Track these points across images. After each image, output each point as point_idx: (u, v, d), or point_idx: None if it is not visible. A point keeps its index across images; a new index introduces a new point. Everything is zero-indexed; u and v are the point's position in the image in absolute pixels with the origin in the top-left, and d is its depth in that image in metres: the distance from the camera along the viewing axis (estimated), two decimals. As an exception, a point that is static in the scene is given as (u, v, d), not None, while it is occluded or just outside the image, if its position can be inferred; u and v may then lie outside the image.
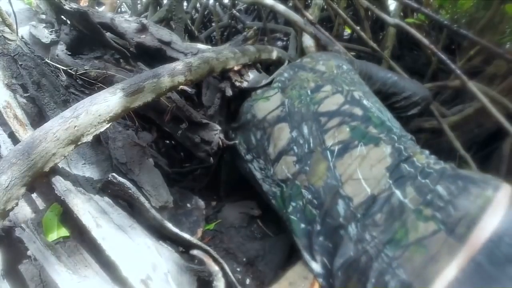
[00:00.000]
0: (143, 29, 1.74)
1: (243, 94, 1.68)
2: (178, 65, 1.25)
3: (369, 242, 1.09)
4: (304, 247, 1.28)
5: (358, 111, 1.39)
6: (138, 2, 4.76)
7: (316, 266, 1.23)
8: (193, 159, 2.05)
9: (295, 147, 1.39)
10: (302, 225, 1.30)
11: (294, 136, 1.42)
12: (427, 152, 1.28)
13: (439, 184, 1.10)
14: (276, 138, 1.45)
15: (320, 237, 1.24)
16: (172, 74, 1.20)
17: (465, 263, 0.92)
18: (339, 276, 1.12)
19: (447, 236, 0.98)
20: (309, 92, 1.50)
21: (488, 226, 0.94)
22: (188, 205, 1.60)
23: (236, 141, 1.60)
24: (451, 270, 0.92)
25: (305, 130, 1.41)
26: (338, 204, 1.20)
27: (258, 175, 1.52)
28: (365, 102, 1.45)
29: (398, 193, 1.13)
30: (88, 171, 1.16)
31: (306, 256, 1.27)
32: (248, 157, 1.56)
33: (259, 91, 1.64)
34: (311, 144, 1.37)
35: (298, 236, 1.31)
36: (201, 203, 1.67)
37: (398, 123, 1.47)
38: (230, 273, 1.05)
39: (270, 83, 1.65)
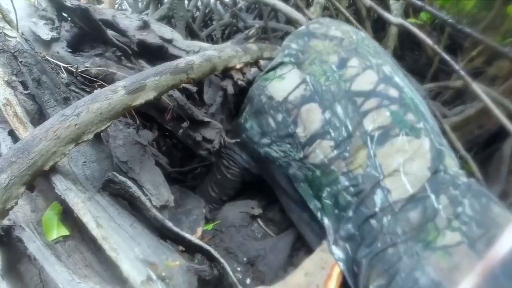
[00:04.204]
0: (145, 26, 1.73)
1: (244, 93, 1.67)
2: (180, 63, 1.24)
3: (400, 236, 1.14)
4: (331, 231, 1.30)
5: (394, 93, 1.35)
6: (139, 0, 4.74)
7: (338, 251, 1.25)
8: (193, 158, 2.04)
9: (331, 131, 1.34)
10: (336, 211, 1.30)
11: (328, 118, 1.35)
12: (453, 154, 1.34)
13: (466, 197, 1.18)
14: (305, 120, 1.38)
15: (349, 224, 1.25)
16: (174, 72, 1.19)
17: (483, 275, 0.95)
18: (363, 264, 1.16)
19: (469, 249, 1.07)
20: (334, 67, 1.43)
21: (505, 244, 0.99)
22: (188, 204, 1.60)
23: (238, 139, 1.59)
24: (471, 280, 0.96)
25: (340, 110, 1.34)
26: (376, 194, 1.22)
27: (280, 157, 1.46)
28: (397, 79, 1.41)
29: (433, 198, 1.18)
30: (89, 170, 1.15)
31: (331, 239, 1.29)
32: (265, 140, 1.50)
33: (270, 72, 1.54)
34: (349, 127, 1.31)
35: (329, 219, 1.32)
36: (201, 202, 1.66)
37: (424, 102, 1.47)
38: (231, 273, 1.04)
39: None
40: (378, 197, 1.21)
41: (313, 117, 1.37)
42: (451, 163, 1.28)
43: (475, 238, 1.09)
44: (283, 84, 1.46)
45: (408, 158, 1.24)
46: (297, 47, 1.52)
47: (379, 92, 1.34)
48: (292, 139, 1.40)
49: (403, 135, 1.27)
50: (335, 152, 1.31)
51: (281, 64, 1.52)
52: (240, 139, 1.60)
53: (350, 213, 1.25)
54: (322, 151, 1.34)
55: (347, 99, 1.35)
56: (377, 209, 1.20)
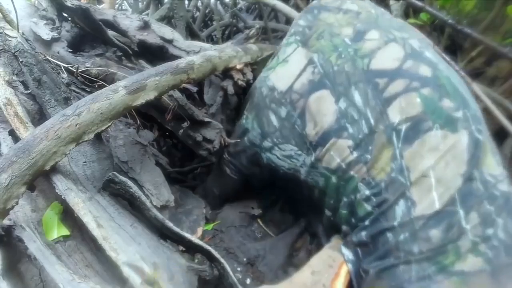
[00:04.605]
0: (145, 26, 1.73)
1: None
2: (181, 63, 1.24)
3: (415, 255, 0.99)
4: (343, 233, 1.17)
5: (426, 71, 1.07)
6: (139, 0, 4.75)
7: (348, 252, 1.12)
8: (193, 158, 2.04)
9: (348, 126, 1.08)
10: (353, 220, 1.12)
11: (343, 108, 1.08)
12: (495, 148, 1.10)
13: (501, 216, 0.97)
14: (315, 113, 1.11)
15: (362, 232, 1.09)
16: (175, 72, 1.19)
17: None
18: (370, 273, 1.04)
19: (490, 279, 0.91)
20: (348, 41, 1.14)
21: None
22: (188, 204, 1.60)
23: (238, 140, 1.54)
24: None
25: (357, 97, 1.07)
26: (398, 205, 1.03)
27: (284, 165, 1.23)
28: (428, 54, 1.13)
29: (461, 214, 0.98)
30: (89, 170, 1.15)
31: (343, 240, 1.16)
32: (266, 144, 1.25)
33: (274, 59, 1.29)
34: (371, 120, 1.05)
35: (342, 224, 1.16)
36: (201, 202, 1.66)
37: (463, 81, 1.20)
38: (231, 273, 1.04)
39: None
40: (399, 209, 1.02)
41: (324, 108, 1.10)
42: (492, 162, 1.05)
43: (501, 268, 0.92)
44: (287, 69, 1.19)
45: (440, 160, 1.01)
46: (304, 23, 1.24)
47: (406, 71, 1.07)
48: (299, 138, 1.15)
49: (436, 129, 1.02)
50: (355, 154, 1.07)
51: (285, 45, 1.26)
52: (242, 145, 1.37)
53: (367, 222, 1.09)
54: (338, 153, 1.10)
55: (366, 81, 1.07)
56: (396, 223, 1.02)
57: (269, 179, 1.44)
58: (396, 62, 1.09)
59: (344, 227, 1.17)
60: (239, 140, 1.55)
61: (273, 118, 1.21)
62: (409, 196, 1.01)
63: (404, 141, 1.03)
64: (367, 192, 1.07)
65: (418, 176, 1.01)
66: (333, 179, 1.13)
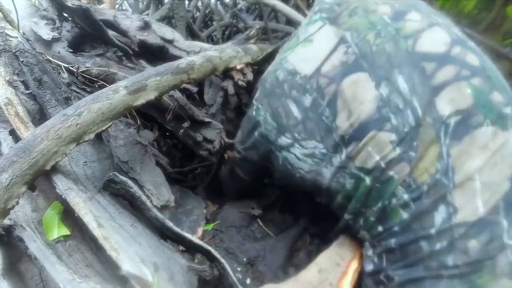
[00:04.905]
0: (145, 27, 1.74)
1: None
2: (182, 63, 1.24)
3: (448, 268, 0.87)
4: (360, 238, 1.04)
5: (474, 60, 0.95)
6: (140, 0, 4.75)
7: (369, 263, 1.00)
8: (193, 158, 2.04)
9: (392, 116, 0.91)
10: (379, 228, 0.97)
11: (385, 95, 0.91)
12: None
13: None
14: (350, 100, 0.93)
15: (391, 239, 0.95)
16: (176, 72, 1.19)
17: None
18: (395, 280, 0.94)
19: None
20: (387, 19, 0.98)
21: None
22: (189, 204, 1.60)
23: (238, 140, 1.51)
24: None
25: (402, 82, 0.91)
26: (438, 211, 0.89)
27: (304, 166, 1.04)
28: (471, 44, 1.02)
29: (504, 225, 0.85)
30: (90, 170, 1.15)
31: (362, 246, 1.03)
32: (283, 140, 1.04)
33: (292, 40, 1.09)
34: (418, 110, 0.89)
35: (364, 231, 1.02)
36: (202, 202, 1.66)
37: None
38: (231, 273, 1.04)
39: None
40: (439, 216, 0.89)
41: (362, 94, 0.93)
42: None
43: None
44: (312, 50, 0.99)
45: (488, 161, 0.88)
46: (332, 0, 1.06)
47: (455, 58, 0.93)
48: (327, 133, 0.96)
49: (487, 125, 0.89)
50: (398, 150, 0.91)
51: (307, 24, 1.07)
52: (252, 141, 1.18)
53: (397, 228, 0.95)
54: (378, 149, 0.92)
55: (412, 64, 0.92)
56: (433, 231, 0.89)
57: (279, 185, 1.26)
58: (444, 47, 0.94)
59: (363, 233, 1.03)
60: (239, 140, 1.55)
61: (293, 108, 0.99)
62: (450, 201, 0.88)
63: (452, 137, 0.88)
64: (406, 197, 0.91)
65: (462, 179, 0.88)
66: (367, 181, 0.95)
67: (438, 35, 0.97)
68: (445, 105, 0.90)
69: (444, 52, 0.94)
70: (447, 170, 0.88)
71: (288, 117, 1.01)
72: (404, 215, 0.92)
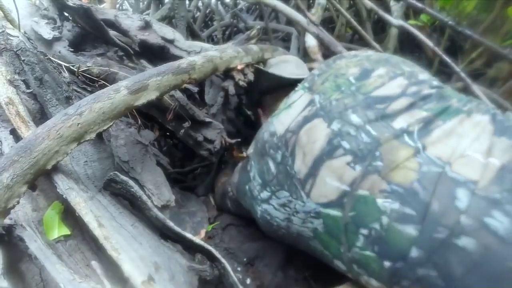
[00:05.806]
0: (146, 26, 1.73)
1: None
2: (183, 63, 1.24)
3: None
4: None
5: (429, 90, 0.97)
6: (140, 0, 4.75)
7: None
8: (193, 158, 2.04)
9: (344, 143, 0.90)
10: (386, 263, 0.80)
11: (337, 129, 0.93)
12: None
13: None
14: (305, 144, 0.96)
15: (419, 269, 0.76)
16: (177, 72, 1.19)
17: None
18: None
19: None
20: (352, 79, 1.04)
21: None
22: (191, 206, 1.60)
23: (239, 139, 1.54)
24: None
25: (354, 118, 0.93)
26: (457, 197, 0.74)
27: (279, 215, 1.05)
28: (436, 83, 1.04)
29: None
30: (90, 169, 1.15)
31: None
32: (265, 194, 1.08)
33: (281, 105, 1.18)
34: (372, 132, 0.89)
35: (371, 278, 0.86)
36: (204, 206, 1.67)
37: None
38: (232, 273, 1.04)
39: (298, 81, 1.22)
40: (462, 196, 0.75)
41: (315, 135, 0.95)
42: None
43: None
44: (288, 114, 1.08)
45: (471, 135, 0.84)
46: (317, 72, 1.16)
47: (409, 93, 0.96)
48: (290, 180, 0.98)
49: (449, 120, 0.88)
50: (358, 167, 0.86)
51: (294, 92, 1.17)
52: (243, 191, 1.22)
53: (414, 252, 0.76)
54: (336, 176, 0.88)
55: (365, 106, 0.95)
56: (463, 218, 0.73)
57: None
58: (398, 89, 0.97)
59: (374, 283, 0.86)
60: (239, 140, 1.55)
61: (271, 165, 1.05)
62: (455, 177, 0.77)
63: (420, 136, 0.85)
64: (396, 206, 0.79)
65: (453, 156, 0.80)
66: (336, 214, 0.88)
67: (396, 83, 0.99)
68: (402, 123, 0.89)
69: (398, 93, 0.96)
70: (431, 159, 0.81)
71: (268, 173, 1.05)
72: (407, 229, 0.77)
